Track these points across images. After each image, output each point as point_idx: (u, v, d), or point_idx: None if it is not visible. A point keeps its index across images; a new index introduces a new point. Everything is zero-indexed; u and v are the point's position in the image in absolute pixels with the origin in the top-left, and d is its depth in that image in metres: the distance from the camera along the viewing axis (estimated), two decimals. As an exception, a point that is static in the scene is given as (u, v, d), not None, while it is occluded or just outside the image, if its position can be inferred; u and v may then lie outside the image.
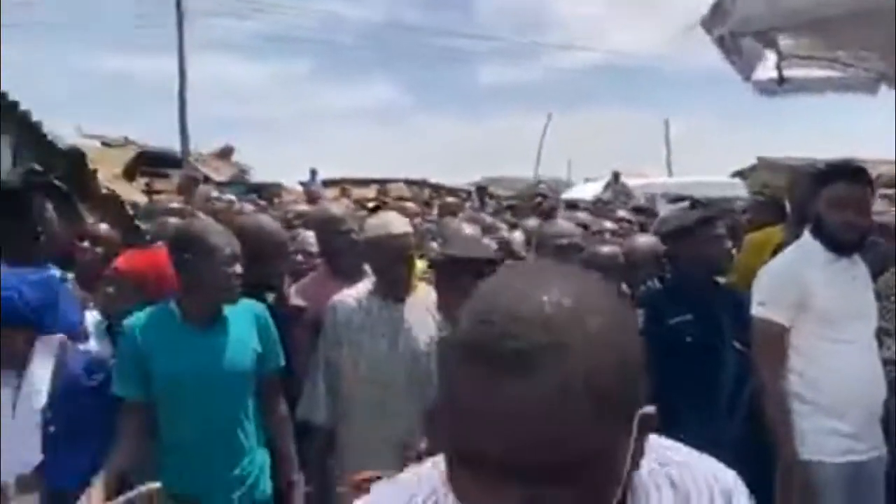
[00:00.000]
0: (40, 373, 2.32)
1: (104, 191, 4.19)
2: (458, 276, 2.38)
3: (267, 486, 2.50)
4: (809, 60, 3.75)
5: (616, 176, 11.95)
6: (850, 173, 2.72)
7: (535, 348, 0.63)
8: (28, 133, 3.10)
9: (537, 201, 5.15)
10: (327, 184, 14.86)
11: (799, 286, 2.60)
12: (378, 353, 2.63)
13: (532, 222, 3.88)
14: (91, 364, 2.42)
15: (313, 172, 14.88)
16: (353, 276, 2.92)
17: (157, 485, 2.20)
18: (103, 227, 3.37)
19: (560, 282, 0.68)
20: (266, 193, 11.94)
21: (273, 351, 2.54)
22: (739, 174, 15.90)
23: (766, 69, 3.52)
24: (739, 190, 11.67)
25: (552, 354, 0.63)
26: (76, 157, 3.66)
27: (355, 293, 2.73)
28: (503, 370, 0.63)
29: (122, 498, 2.14)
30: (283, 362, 2.58)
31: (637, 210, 5.05)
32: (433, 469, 0.82)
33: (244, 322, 2.47)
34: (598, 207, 6.07)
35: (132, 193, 8.49)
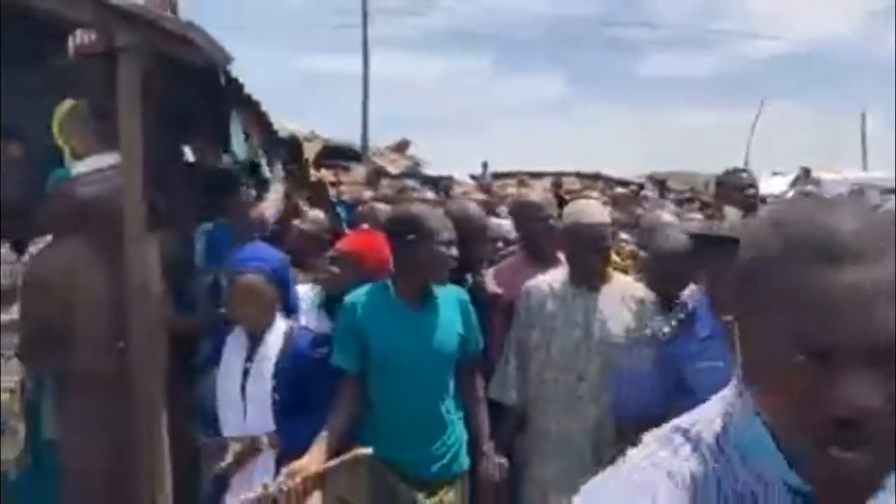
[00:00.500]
0: (274, 344, 2.57)
1: (313, 178, 4.55)
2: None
3: (465, 459, 2.63)
4: None
5: (807, 171, 11.15)
6: None
7: (874, 243, 0.73)
8: (256, 122, 3.42)
9: (747, 193, 4.81)
10: (498, 176, 15.05)
11: None
12: (571, 342, 2.65)
13: (733, 213, 3.66)
14: (317, 339, 2.65)
15: (485, 165, 15.13)
16: (549, 264, 2.95)
17: (367, 450, 2.40)
18: (316, 211, 3.67)
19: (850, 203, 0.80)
20: (441, 186, 12.31)
21: (474, 335, 2.66)
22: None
23: None
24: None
25: (885, 249, 0.73)
26: (294, 146, 4.01)
27: (549, 279, 2.77)
28: (860, 264, 0.72)
29: (336, 459, 2.37)
30: (482, 346, 2.69)
31: None
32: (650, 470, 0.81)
33: (451, 305, 2.61)
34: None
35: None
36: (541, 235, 3.11)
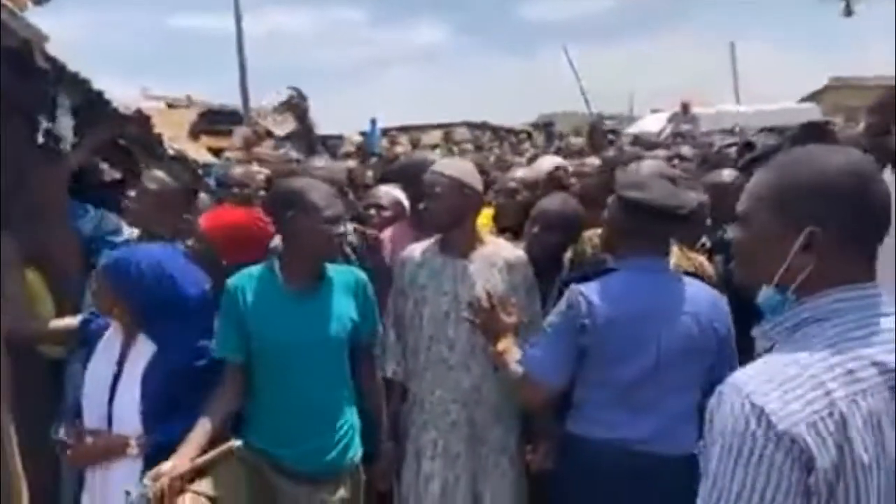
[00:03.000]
0: (148, 345, 2.40)
1: (171, 152, 4.28)
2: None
3: (356, 452, 2.54)
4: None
5: (685, 107, 11.40)
6: None
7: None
8: (92, 102, 3.16)
9: (609, 139, 4.96)
10: (387, 132, 14.86)
11: None
12: (440, 310, 2.61)
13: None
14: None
15: (373, 122, 14.88)
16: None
17: (237, 443, 2.29)
18: (157, 171, 3.37)
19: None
20: (330, 147, 12.03)
21: (369, 320, 2.56)
22: (810, 98, 15.16)
23: None
24: (813, 115, 11.16)
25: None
26: (142, 122, 3.75)
27: (422, 247, 2.72)
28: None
29: (205, 456, 2.24)
30: (379, 331, 2.62)
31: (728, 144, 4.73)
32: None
33: (344, 288, 2.49)
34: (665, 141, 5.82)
35: (199, 153, 8.66)
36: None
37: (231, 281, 2.45)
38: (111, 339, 2.45)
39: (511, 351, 2.39)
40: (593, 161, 3.59)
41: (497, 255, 2.66)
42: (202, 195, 3.68)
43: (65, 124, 2.86)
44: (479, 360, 2.59)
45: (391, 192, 3.47)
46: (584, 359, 2.28)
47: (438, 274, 2.63)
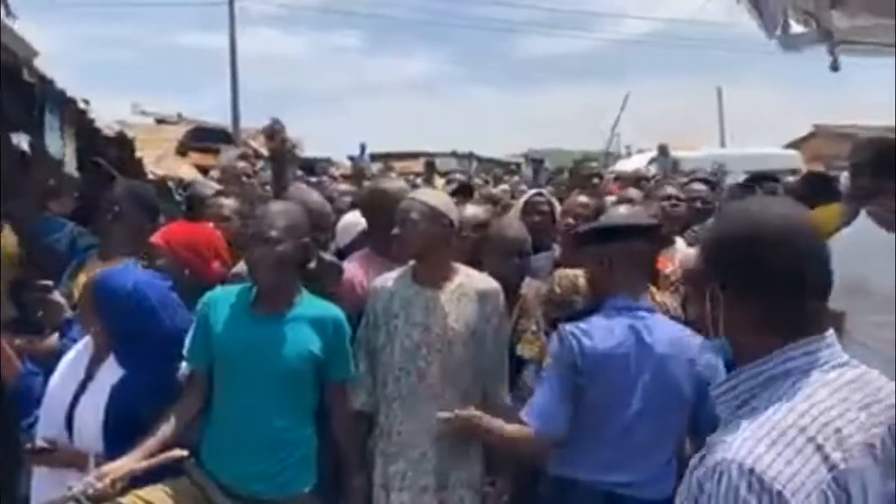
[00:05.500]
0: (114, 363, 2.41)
1: (151, 176, 4.28)
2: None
3: (307, 482, 2.50)
4: (864, 46, 3.61)
5: (663, 149, 11.47)
6: None
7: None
8: (75, 121, 3.17)
9: (593, 183, 4.99)
10: (375, 158, 14.93)
11: (859, 266, 2.45)
12: (411, 341, 2.60)
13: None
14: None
15: (362, 147, 14.95)
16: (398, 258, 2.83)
17: (183, 453, 2.30)
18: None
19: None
20: (318, 170, 12.07)
21: (339, 361, 2.54)
22: (794, 145, 15.38)
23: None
24: (796, 162, 11.33)
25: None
26: (123, 144, 3.75)
27: (394, 276, 2.70)
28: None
29: (150, 460, 2.26)
30: (351, 373, 2.60)
31: (704, 181, 4.75)
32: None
33: (312, 322, 2.48)
34: (638, 183, 5.83)
35: (185, 171, 8.65)
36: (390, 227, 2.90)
37: (211, 293, 2.53)
38: (81, 354, 2.46)
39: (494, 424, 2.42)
40: (584, 200, 3.59)
41: (469, 285, 2.66)
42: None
43: (52, 140, 2.88)
44: (450, 392, 2.58)
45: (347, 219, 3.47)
46: (577, 399, 2.27)
47: (410, 304, 2.62)
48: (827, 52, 3.42)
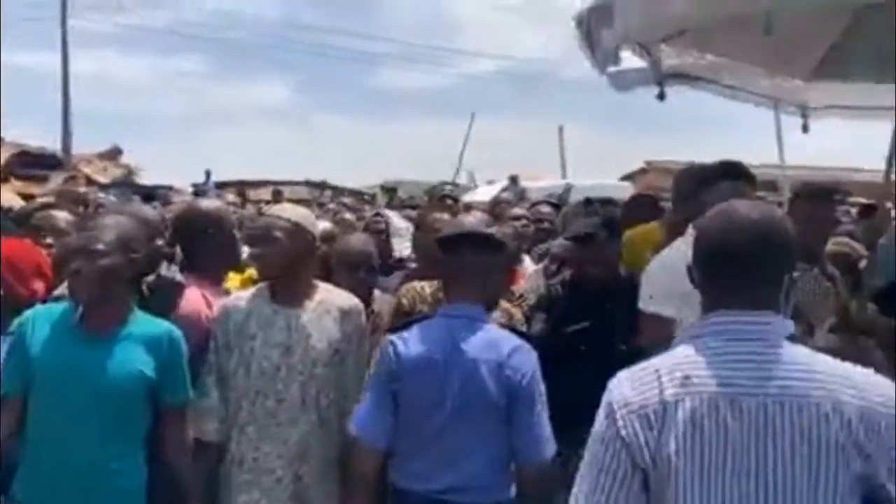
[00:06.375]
0: None
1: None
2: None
3: None
4: (693, 80, 3.92)
5: (514, 179, 12.23)
6: (732, 172, 2.84)
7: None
8: None
9: (448, 204, 5.16)
10: (221, 186, 14.41)
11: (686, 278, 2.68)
12: (270, 363, 2.48)
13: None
14: None
15: (208, 174, 14.42)
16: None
17: None
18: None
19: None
20: (159, 197, 11.47)
21: (175, 383, 2.37)
22: (629, 178, 16.49)
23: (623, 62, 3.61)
24: (630, 192, 12.08)
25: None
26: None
27: (248, 295, 2.59)
28: None
29: None
30: (188, 396, 2.43)
31: (549, 204, 5.13)
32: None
33: (145, 341, 2.31)
34: (494, 207, 6.14)
35: (6, 199, 7.94)
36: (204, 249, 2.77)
37: (28, 312, 2.35)
38: None
39: None
40: (441, 216, 3.67)
41: (331, 302, 2.59)
42: None
43: None
44: (309, 415, 2.49)
45: None
46: (395, 406, 2.26)
47: (269, 324, 2.51)
48: (654, 83, 3.68)
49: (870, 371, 1.48)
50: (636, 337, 2.78)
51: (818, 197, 3.20)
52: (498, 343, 2.25)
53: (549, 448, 2.22)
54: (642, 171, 18.19)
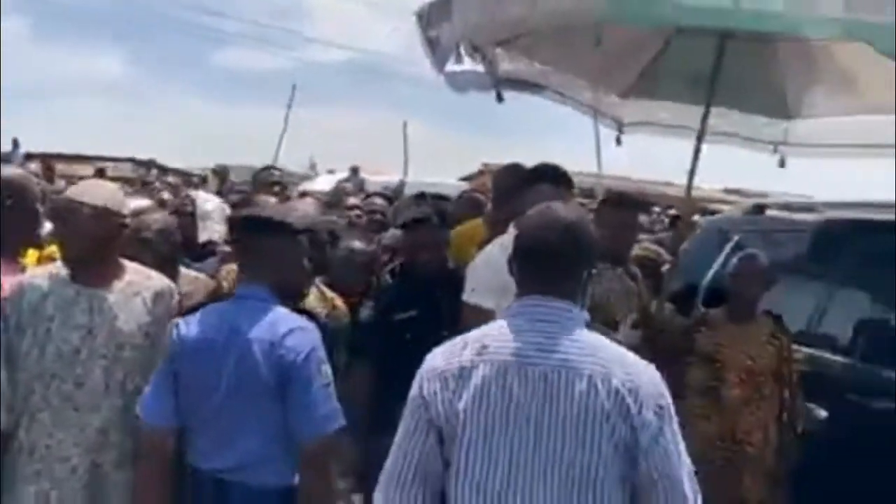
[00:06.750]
0: None
1: None
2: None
3: None
4: (526, 86, 4.09)
5: (355, 170, 12.22)
6: (552, 176, 3.01)
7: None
8: None
9: (274, 190, 5.09)
10: (32, 157, 13.21)
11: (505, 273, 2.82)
12: (69, 345, 2.34)
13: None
14: None
15: (15, 143, 13.21)
16: None
17: None
18: None
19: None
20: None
21: None
22: (468, 179, 16.96)
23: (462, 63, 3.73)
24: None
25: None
26: None
27: (46, 273, 2.42)
28: None
29: None
30: None
31: (382, 196, 5.22)
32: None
33: None
34: (332, 196, 6.14)
35: None
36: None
37: None
38: None
39: None
40: (267, 199, 3.62)
41: (140, 284, 2.47)
42: None
43: None
44: (113, 400, 2.36)
45: None
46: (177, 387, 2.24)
47: (70, 305, 2.36)
48: (489, 86, 3.82)
49: (645, 361, 1.72)
50: (459, 326, 2.88)
51: (622, 204, 3.47)
52: (276, 324, 2.22)
53: (328, 425, 2.20)
54: (480, 173, 18.77)
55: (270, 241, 2.31)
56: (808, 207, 4.40)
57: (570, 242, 1.74)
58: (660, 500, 1.62)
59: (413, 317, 3.12)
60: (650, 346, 3.30)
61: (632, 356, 1.72)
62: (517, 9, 2.92)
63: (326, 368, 2.23)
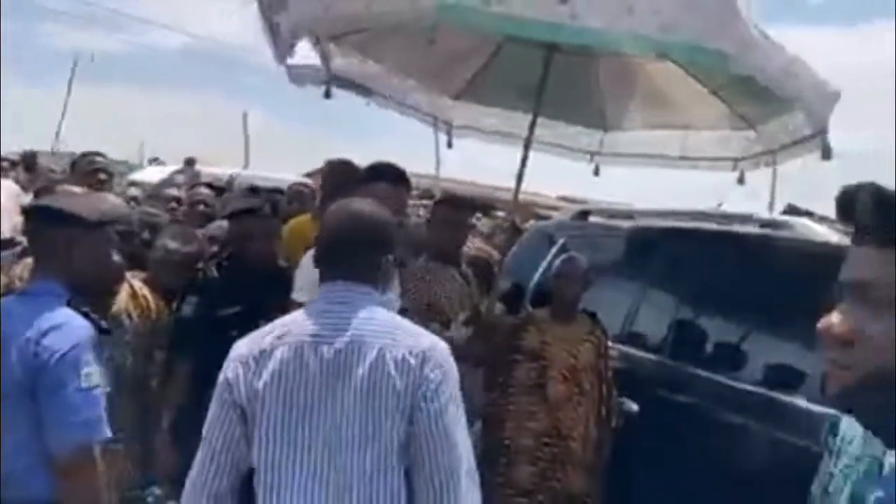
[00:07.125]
0: None
1: None
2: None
3: None
4: (357, 87, 4.06)
5: (189, 161, 11.62)
6: (391, 175, 3.01)
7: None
8: None
9: (99, 178, 4.72)
10: None
11: None
12: None
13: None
14: None
15: None
16: None
17: None
18: None
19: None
20: None
21: None
22: (309, 175, 16.66)
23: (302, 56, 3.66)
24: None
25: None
26: None
27: None
28: None
29: None
30: None
31: (209, 186, 4.99)
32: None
33: None
34: (157, 187, 5.80)
35: None
36: None
37: None
38: None
39: None
40: (71, 189, 3.32)
41: None
42: None
43: None
44: None
45: None
46: None
47: None
48: (322, 81, 3.75)
49: (434, 336, 1.86)
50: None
51: (455, 205, 3.56)
52: (40, 321, 1.97)
53: (84, 433, 1.93)
54: (321, 171, 18.55)
55: (60, 233, 2.07)
56: (628, 214, 4.69)
57: (364, 230, 1.88)
58: (435, 455, 1.71)
59: (238, 312, 3.00)
60: (481, 343, 3.39)
61: (425, 332, 1.86)
62: (351, 6, 2.89)
63: (90, 371, 1.96)
